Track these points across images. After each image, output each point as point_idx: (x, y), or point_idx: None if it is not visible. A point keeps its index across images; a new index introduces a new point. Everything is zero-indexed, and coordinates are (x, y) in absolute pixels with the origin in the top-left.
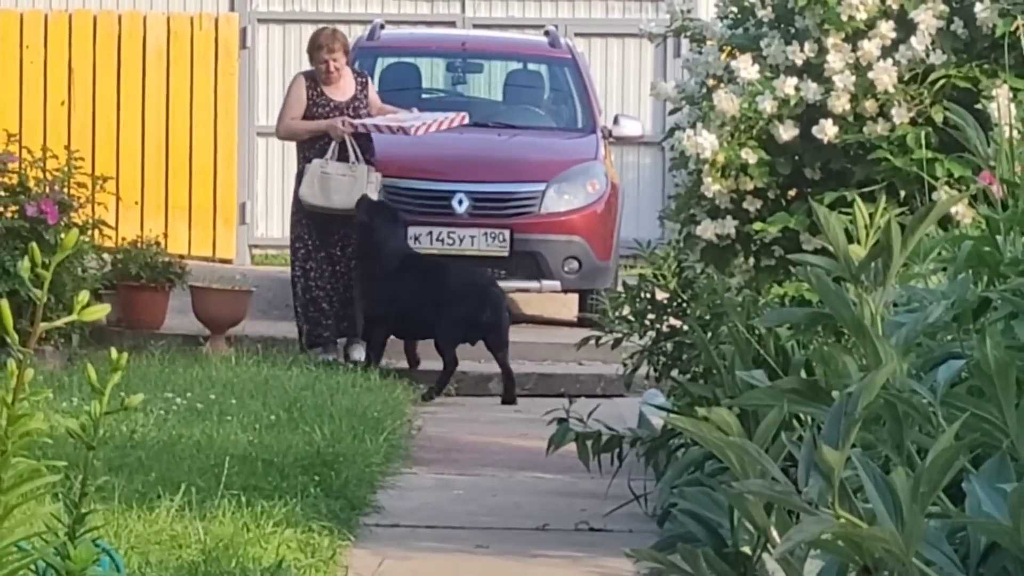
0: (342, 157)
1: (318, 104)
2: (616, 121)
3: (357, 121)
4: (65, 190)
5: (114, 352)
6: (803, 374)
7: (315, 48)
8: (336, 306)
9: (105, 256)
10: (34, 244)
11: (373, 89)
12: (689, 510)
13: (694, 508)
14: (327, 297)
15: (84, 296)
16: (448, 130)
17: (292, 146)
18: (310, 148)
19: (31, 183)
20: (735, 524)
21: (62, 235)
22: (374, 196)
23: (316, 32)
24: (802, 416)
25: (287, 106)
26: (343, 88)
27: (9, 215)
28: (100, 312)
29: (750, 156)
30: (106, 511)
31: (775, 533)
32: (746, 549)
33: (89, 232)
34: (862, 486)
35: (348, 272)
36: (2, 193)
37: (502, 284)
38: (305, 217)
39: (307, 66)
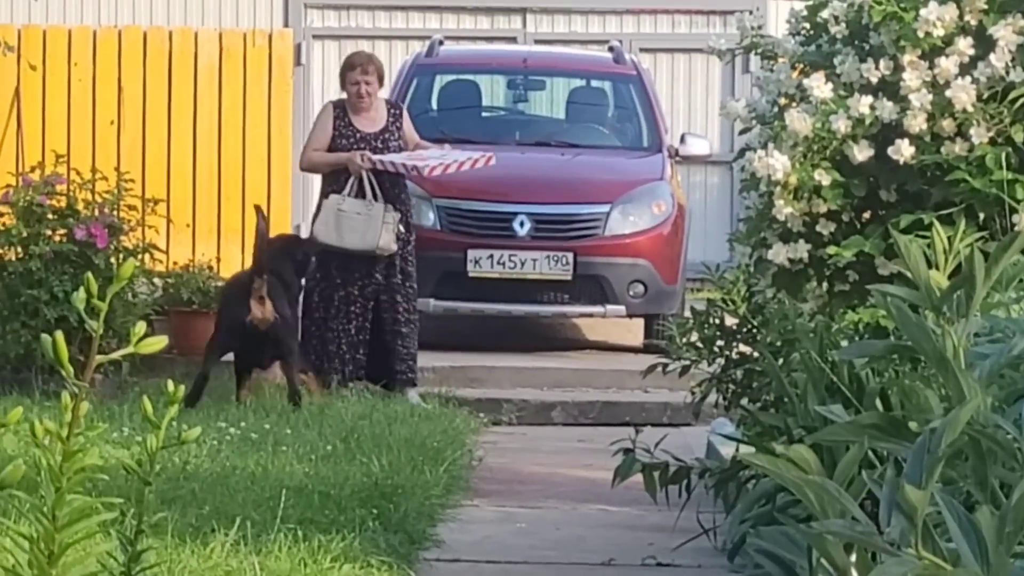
0: (360, 194)
1: (344, 135)
2: (683, 140)
3: (375, 157)
4: (115, 213)
5: (170, 384)
6: (879, 404)
7: (348, 68)
8: (344, 349)
9: (156, 281)
10: (89, 274)
11: (408, 122)
12: (765, 550)
13: (769, 547)
14: (336, 339)
15: (141, 327)
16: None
17: None
18: (332, 182)
19: (80, 205)
20: (813, 565)
21: (112, 259)
22: (390, 237)
23: (350, 54)
24: (880, 451)
25: (311, 137)
26: (374, 119)
27: (57, 239)
28: (157, 345)
29: (823, 178)
30: (160, 546)
31: (855, 574)
32: None
33: (139, 256)
34: (945, 525)
35: (363, 314)
36: (50, 216)
37: (565, 309)
38: (327, 255)
39: None
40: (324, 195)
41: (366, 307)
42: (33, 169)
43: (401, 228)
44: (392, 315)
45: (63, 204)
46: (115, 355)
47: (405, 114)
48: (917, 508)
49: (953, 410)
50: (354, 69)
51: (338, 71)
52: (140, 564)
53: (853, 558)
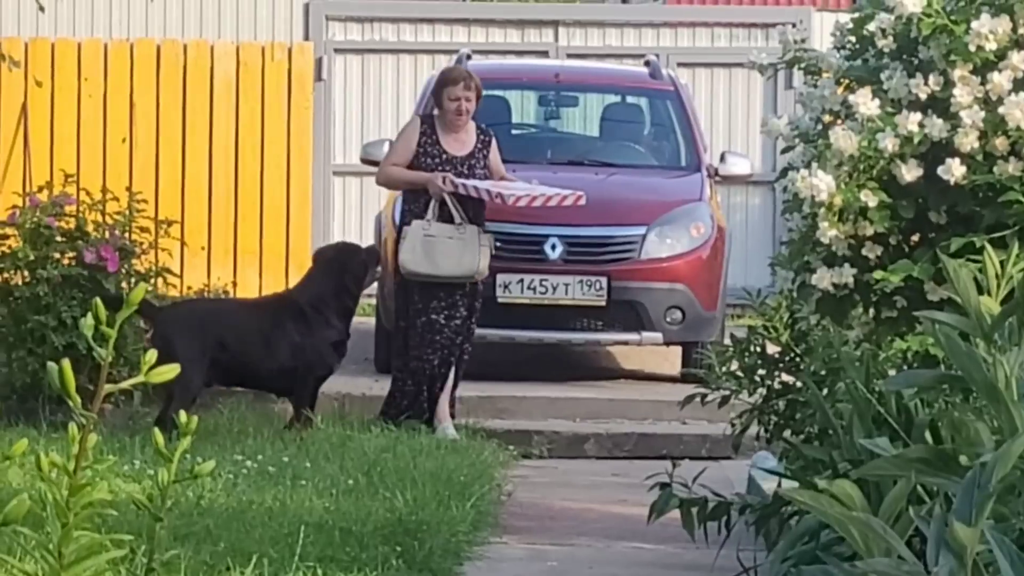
0: (443, 218)
1: (429, 153)
2: (723, 159)
3: (459, 180)
4: (126, 235)
5: (183, 415)
6: (928, 437)
7: (448, 83)
8: (427, 379)
9: None
10: (98, 299)
11: (496, 151)
12: None
13: None
14: (423, 369)
15: (152, 355)
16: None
17: (371, 186)
18: (413, 203)
19: (90, 227)
20: None
21: (123, 284)
22: (487, 261)
23: (449, 68)
24: (928, 486)
25: (393, 150)
26: (463, 141)
27: (66, 262)
28: (168, 374)
29: (870, 198)
30: None
31: None
32: None
33: (152, 280)
34: (996, 563)
35: (447, 347)
36: (59, 238)
37: (599, 336)
38: (410, 283)
39: (388, 100)
40: (403, 220)
41: (452, 338)
42: (41, 189)
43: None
44: (463, 347)
45: (72, 226)
46: (124, 384)
47: (494, 142)
48: (967, 546)
49: (1005, 443)
50: (456, 84)
51: (359, 87)
52: None
53: None
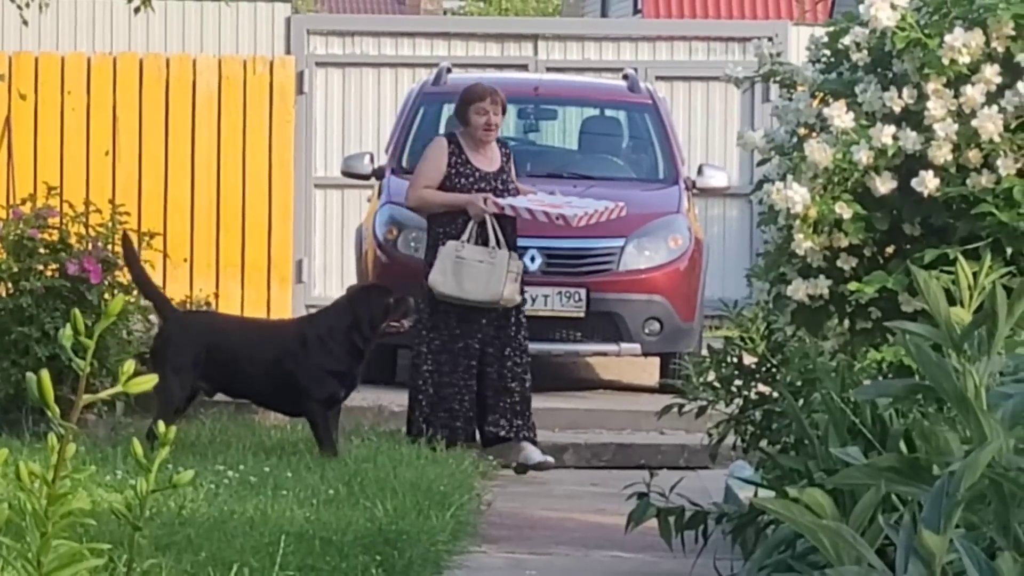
0: (482, 239)
1: (461, 173)
2: (700, 171)
3: (504, 201)
4: (109, 247)
5: (161, 425)
6: (903, 446)
7: (475, 98)
8: (467, 406)
9: (152, 318)
10: (76, 310)
11: (513, 163)
12: None
13: None
14: (458, 396)
15: (130, 366)
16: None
17: (352, 199)
18: (448, 225)
19: (73, 239)
20: None
21: (106, 295)
22: (514, 288)
23: (472, 85)
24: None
25: (421, 172)
26: (490, 157)
27: (49, 274)
28: (147, 384)
29: (844, 211)
30: None
31: None
32: None
33: (135, 292)
34: (965, 572)
35: (477, 369)
36: (42, 250)
37: (577, 347)
38: (445, 304)
39: (369, 113)
40: (436, 239)
41: (481, 361)
42: (24, 201)
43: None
44: (499, 369)
45: (55, 238)
46: (103, 394)
47: (511, 155)
48: (935, 554)
49: (973, 452)
50: (483, 99)
51: (341, 100)
52: None
53: None
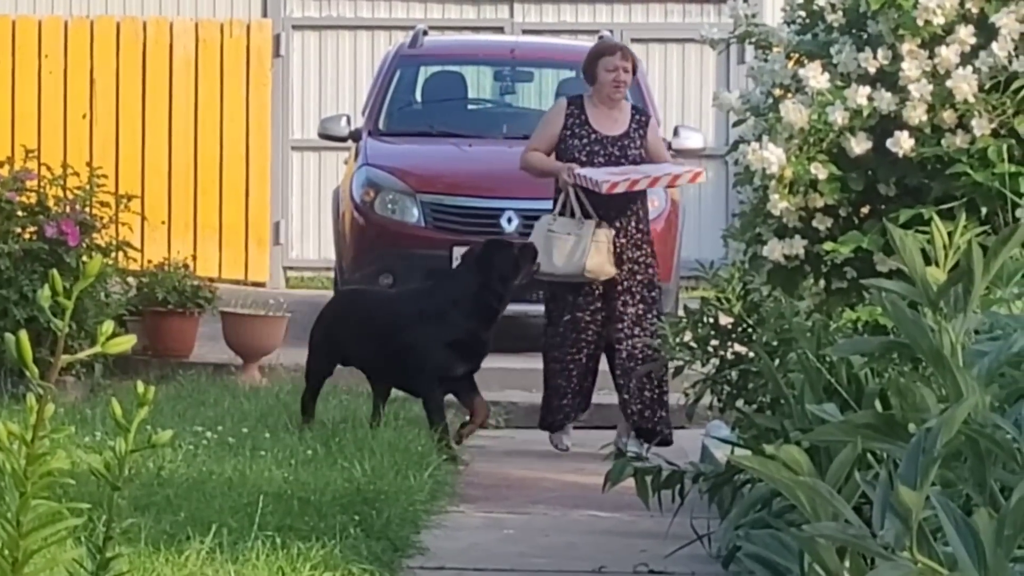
0: (575, 210)
1: (576, 134)
2: (676, 133)
3: (579, 171)
4: (87, 209)
5: (140, 385)
6: (878, 405)
7: (602, 54)
8: (575, 381)
9: (130, 280)
10: (54, 271)
11: (656, 132)
12: (756, 554)
13: (761, 552)
14: (564, 371)
15: (108, 327)
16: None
17: (329, 161)
18: (557, 193)
19: (51, 202)
20: (805, 569)
21: (84, 258)
22: (601, 259)
23: (602, 40)
24: (878, 452)
25: (534, 134)
26: (616, 119)
27: (27, 236)
28: (125, 344)
29: (820, 171)
30: (132, 554)
31: None
32: None
33: (113, 254)
34: (942, 528)
35: (596, 342)
36: (20, 213)
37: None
38: (548, 279)
39: (345, 75)
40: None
41: (600, 335)
42: (2, 164)
43: (636, 252)
44: (627, 347)
45: (33, 201)
46: (80, 355)
47: (653, 123)
48: (912, 510)
49: (949, 409)
50: (613, 54)
51: (317, 63)
52: (109, 571)
53: (847, 563)
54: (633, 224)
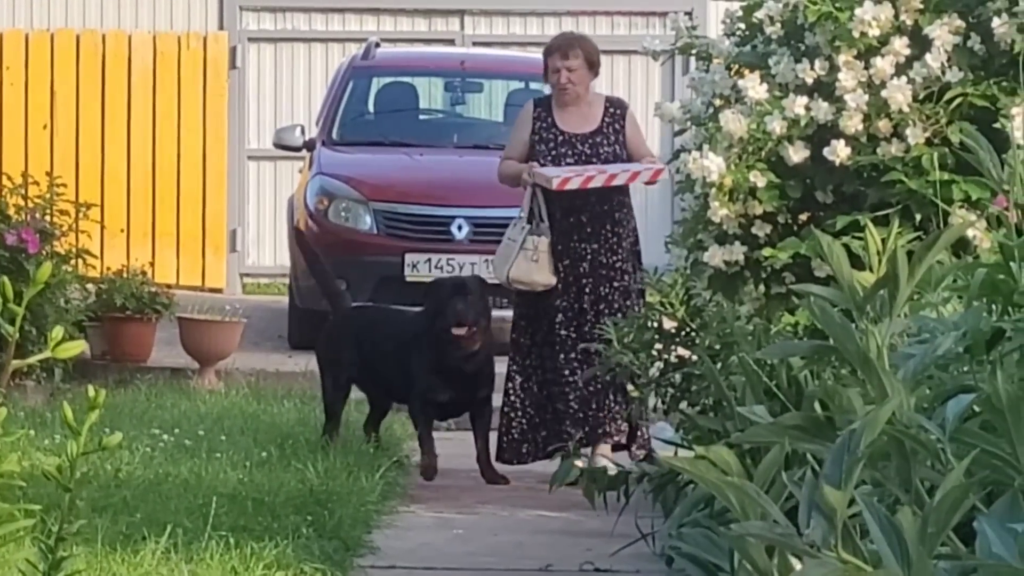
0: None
1: (544, 139)
2: None
3: (537, 168)
4: (47, 218)
5: (91, 389)
6: (817, 407)
7: (547, 54)
8: (575, 407)
9: (89, 287)
10: (5, 278)
11: (634, 125)
12: (689, 553)
13: (694, 551)
14: (562, 395)
15: (58, 332)
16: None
17: (285, 170)
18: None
19: (11, 210)
20: (736, 567)
21: (44, 265)
22: (528, 268)
23: (554, 37)
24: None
25: (508, 142)
26: (585, 116)
27: None
28: (76, 348)
29: (759, 179)
30: (89, 554)
31: None
32: None
33: (72, 261)
34: (868, 528)
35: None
36: None
37: (504, 313)
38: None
39: (300, 86)
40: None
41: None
42: None
43: (610, 257)
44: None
45: None
46: (31, 359)
47: (630, 116)
48: (836, 509)
49: (874, 409)
50: (552, 54)
51: (273, 74)
52: (61, 571)
53: (775, 561)
54: (609, 227)
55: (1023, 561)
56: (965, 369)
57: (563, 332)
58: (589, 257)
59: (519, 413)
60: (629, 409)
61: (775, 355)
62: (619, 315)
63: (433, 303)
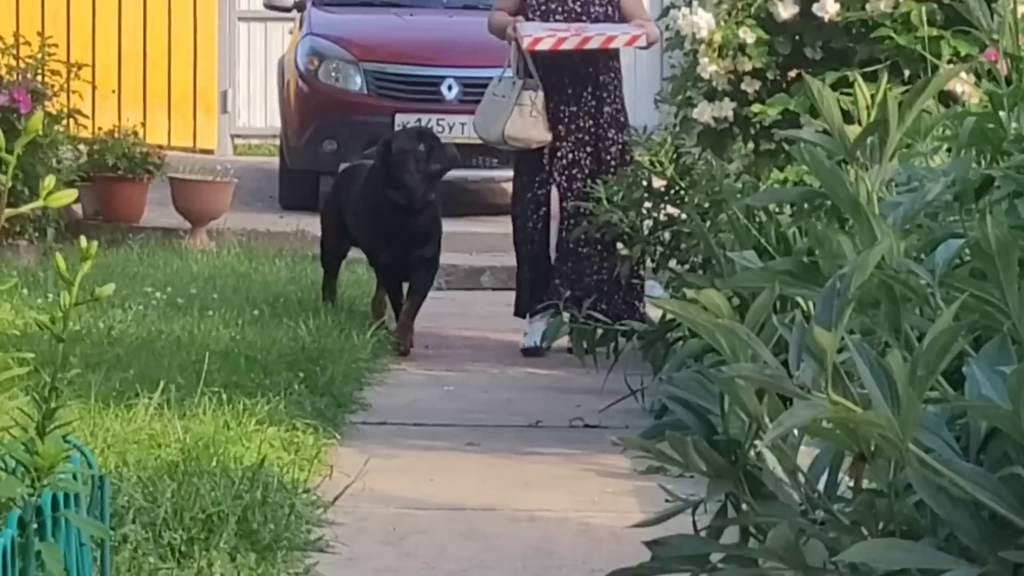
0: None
1: None
2: None
3: (520, 25)
4: (39, 78)
5: (83, 240)
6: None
7: None
8: (526, 271)
9: (81, 147)
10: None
11: None
12: (679, 397)
13: (684, 395)
14: (528, 258)
15: (50, 181)
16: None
17: (275, 31)
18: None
19: (2, 71)
20: (726, 411)
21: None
22: (525, 124)
23: None
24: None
25: None
26: None
27: None
28: (67, 198)
29: (748, 35)
30: (82, 409)
31: (767, 419)
32: (737, 436)
33: (64, 121)
34: (858, 371)
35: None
36: None
37: (493, 173)
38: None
39: None
40: None
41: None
42: None
43: (588, 121)
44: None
45: None
46: (24, 208)
47: None
48: (826, 351)
49: (863, 252)
50: None
51: None
52: (54, 421)
53: (765, 404)
54: (589, 91)
55: (1011, 403)
56: (954, 218)
57: (540, 192)
58: (566, 120)
59: (525, 270)
60: (617, 270)
61: (765, 202)
62: (591, 182)
63: (383, 157)
